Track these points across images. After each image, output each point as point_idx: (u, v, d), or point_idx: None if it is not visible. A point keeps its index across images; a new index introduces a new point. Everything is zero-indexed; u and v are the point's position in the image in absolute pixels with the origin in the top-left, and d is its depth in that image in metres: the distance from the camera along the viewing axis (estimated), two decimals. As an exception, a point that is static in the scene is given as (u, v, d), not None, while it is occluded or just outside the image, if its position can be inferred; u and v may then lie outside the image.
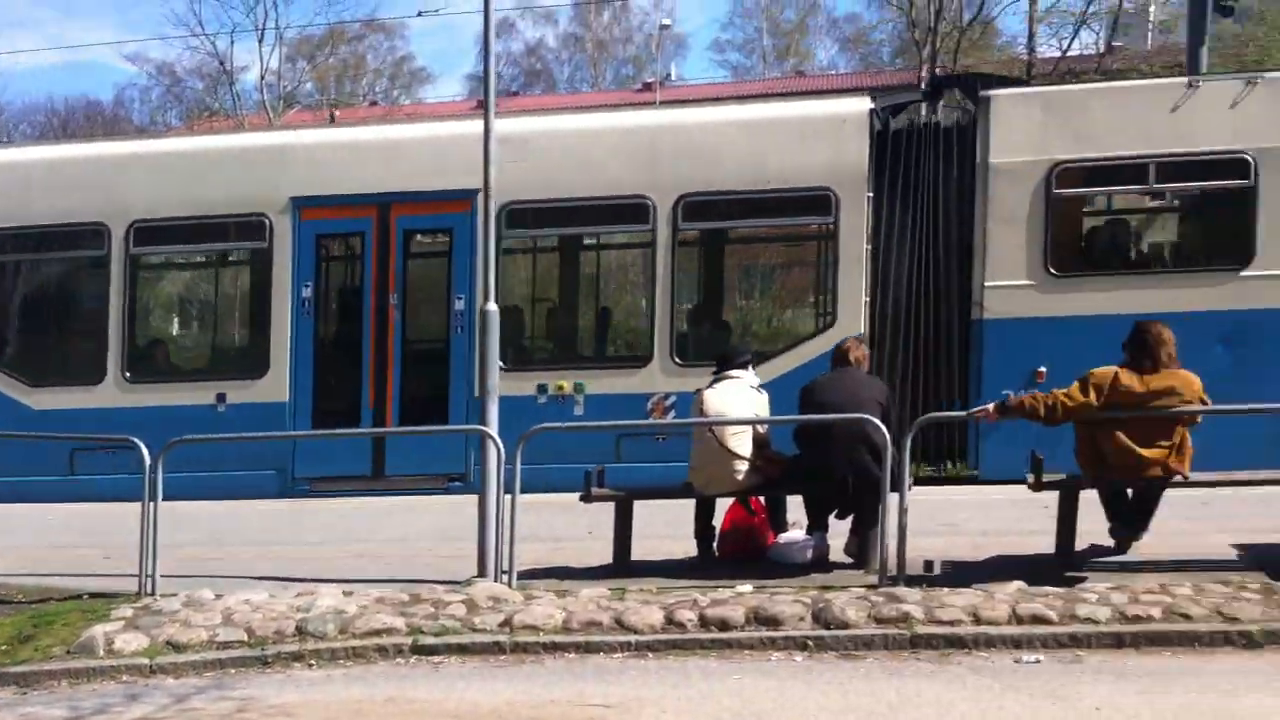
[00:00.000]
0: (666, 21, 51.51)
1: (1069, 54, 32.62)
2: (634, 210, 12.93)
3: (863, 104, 12.83)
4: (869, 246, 12.45)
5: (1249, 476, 8.83)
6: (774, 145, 12.64)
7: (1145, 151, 11.91)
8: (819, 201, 12.50)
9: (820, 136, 12.60)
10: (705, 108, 16.52)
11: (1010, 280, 12.05)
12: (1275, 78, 12.23)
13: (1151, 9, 36.83)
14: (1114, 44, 33.07)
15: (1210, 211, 12.92)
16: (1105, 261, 12.65)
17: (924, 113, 13.47)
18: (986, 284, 12.12)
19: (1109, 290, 11.84)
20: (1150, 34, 38.46)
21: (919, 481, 12.21)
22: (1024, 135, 12.12)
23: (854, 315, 12.33)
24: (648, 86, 44.90)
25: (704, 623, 7.84)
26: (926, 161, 12.53)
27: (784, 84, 42.97)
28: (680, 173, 12.75)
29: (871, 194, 12.40)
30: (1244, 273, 11.72)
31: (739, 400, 9.31)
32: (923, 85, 31.21)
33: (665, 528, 9.77)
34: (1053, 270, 12.03)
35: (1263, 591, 7.78)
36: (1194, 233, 13.33)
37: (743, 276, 16.20)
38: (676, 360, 12.45)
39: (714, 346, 12.96)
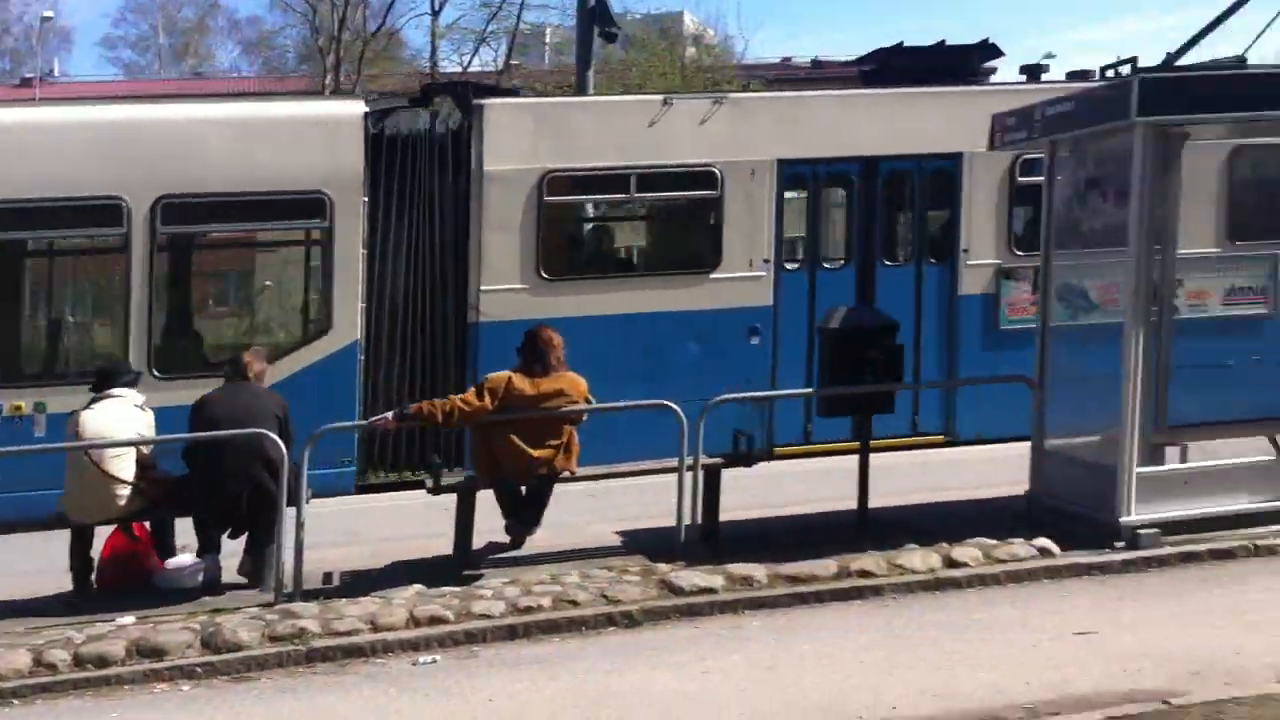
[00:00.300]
0: (49, 14, 47.27)
1: (470, 69, 33.80)
2: (105, 212, 11.61)
3: (357, 107, 12.48)
4: (365, 251, 12.14)
5: (627, 468, 9.41)
6: (265, 146, 11.92)
7: (627, 163, 12.49)
8: (313, 205, 11.99)
9: (314, 139, 12.06)
10: (192, 104, 15.00)
11: (504, 284, 12.22)
12: (739, 99, 13.34)
13: (548, 31, 39.04)
14: (513, 62, 34.65)
15: (684, 219, 13.81)
16: (593, 266, 13.26)
17: (418, 119, 13.26)
18: (482, 288, 12.21)
19: (597, 293, 12.38)
20: (547, 54, 40.72)
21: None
22: (516, 144, 12.29)
23: (350, 320, 11.98)
24: (26, 82, 41.05)
25: (79, 661, 7.28)
26: (423, 167, 12.44)
27: (184, 85, 41.02)
28: (160, 172, 11.61)
29: (367, 199, 12.13)
30: (713, 275, 12.63)
31: (121, 421, 8.72)
32: (326, 89, 31.15)
33: (38, 563, 8.89)
34: (544, 274, 12.31)
35: (642, 573, 8.33)
36: (671, 239, 14.18)
37: (231, 283, 15.21)
38: (156, 374, 11.29)
39: (200, 357, 12.30)
